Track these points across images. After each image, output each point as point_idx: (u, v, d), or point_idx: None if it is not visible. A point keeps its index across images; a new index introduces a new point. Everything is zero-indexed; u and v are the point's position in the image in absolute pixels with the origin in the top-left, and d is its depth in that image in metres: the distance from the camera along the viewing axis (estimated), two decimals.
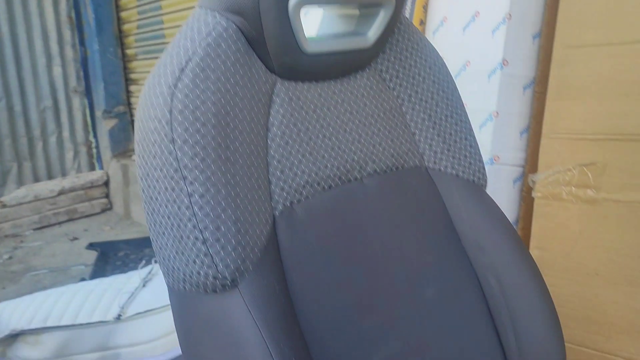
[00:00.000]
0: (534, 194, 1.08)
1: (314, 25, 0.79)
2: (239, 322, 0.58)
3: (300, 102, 0.70)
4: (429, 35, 1.26)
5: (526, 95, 1.13)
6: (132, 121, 3.50)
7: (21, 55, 3.23)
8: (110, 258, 2.51)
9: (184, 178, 0.58)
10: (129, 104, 3.48)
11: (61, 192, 3.34)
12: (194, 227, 0.58)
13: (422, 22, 1.29)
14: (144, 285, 1.61)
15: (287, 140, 0.68)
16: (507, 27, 1.09)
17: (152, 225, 0.63)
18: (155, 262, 1.79)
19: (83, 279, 2.21)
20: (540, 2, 1.11)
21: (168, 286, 0.65)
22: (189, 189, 0.58)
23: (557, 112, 1.05)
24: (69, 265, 2.63)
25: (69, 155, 3.48)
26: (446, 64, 1.12)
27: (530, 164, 1.11)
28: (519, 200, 1.15)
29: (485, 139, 1.12)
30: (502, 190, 1.14)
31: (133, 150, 3.41)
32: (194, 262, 0.58)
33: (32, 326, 1.51)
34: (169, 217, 0.60)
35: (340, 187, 0.73)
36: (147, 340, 1.47)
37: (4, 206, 3.18)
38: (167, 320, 1.48)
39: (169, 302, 1.48)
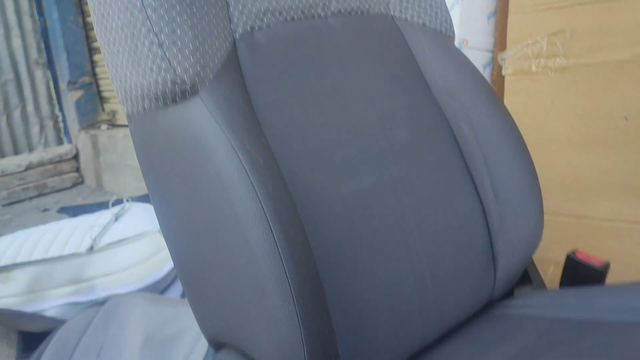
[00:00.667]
0: (504, 72, 1.08)
1: None
2: (201, 127, 0.55)
3: None
4: None
5: None
6: (99, 92, 3.42)
7: None
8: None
9: None
10: (95, 74, 3.40)
11: (29, 167, 3.25)
12: (148, 30, 0.55)
13: None
14: (115, 220, 1.57)
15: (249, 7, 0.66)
16: None
17: (106, 46, 0.60)
18: (128, 200, 1.75)
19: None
20: None
21: (127, 116, 0.63)
22: None
23: None
24: None
25: (35, 129, 3.39)
26: None
27: (500, 44, 1.10)
28: (490, 84, 1.15)
29: (453, 23, 1.11)
30: None
31: (101, 120, 3.34)
32: (151, 69, 0.56)
33: (2, 264, 1.46)
34: (122, 29, 0.57)
35: (304, 21, 0.72)
36: (122, 268, 1.43)
37: None
38: (142, 247, 1.45)
39: (142, 231, 1.44)
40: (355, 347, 0.62)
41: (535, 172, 0.82)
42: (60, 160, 3.38)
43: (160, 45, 0.55)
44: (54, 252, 1.48)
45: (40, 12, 3.32)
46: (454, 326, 0.76)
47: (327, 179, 0.65)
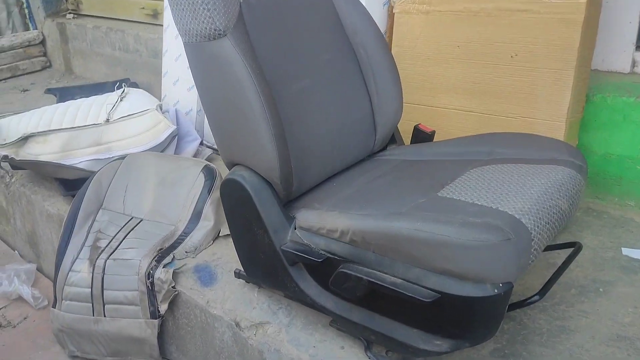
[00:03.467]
0: (394, 11, 1.69)
1: None
2: (228, 54, 1.16)
3: None
4: None
5: None
6: None
7: None
8: (69, 101, 2.94)
9: None
10: None
11: (1, 50, 3.59)
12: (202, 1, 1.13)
13: None
14: (121, 100, 2.13)
15: None
16: None
17: (175, 6, 1.17)
18: (125, 85, 2.29)
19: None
20: None
21: (185, 43, 1.22)
22: None
23: None
24: (30, 109, 3.03)
25: (2, 15, 3.67)
26: None
27: None
28: (387, 18, 1.76)
29: None
30: (376, 11, 1.74)
31: (66, 9, 3.67)
32: (202, 21, 1.14)
33: (39, 130, 2.02)
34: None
35: None
36: (131, 135, 2.02)
37: None
38: (146, 120, 2.03)
39: (145, 109, 2.03)
40: (300, 166, 1.27)
41: (399, 76, 1.47)
42: (29, 45, 3.72)
43: (207, 7, 1.14)
44: (79, 122, 2.04)
45: None
46: (351, 163, 1.44)
47: (287, 83, 1.28)
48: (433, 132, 1.49)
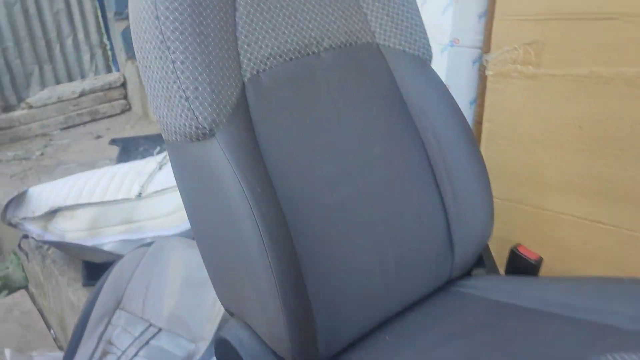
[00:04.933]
0: (487, 72, 1.23)
1: None
2: (215, 161, 0.77)
3: None
4: None
5: None
6: None
7: None
8: (132, 152, 2.75)
9: (168, 48, 0.75)
10: None
11: (82, 94, 3.53)
12: (179, 88, 0.76)
13: None
14: (159, 168, 1.84)
15: (252, 18, 0.84)
16: None
17: (149, 89, 0.81)
18: None
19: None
20: None
21: (165, 140, 0.85)
22: (172, 57, 0.75)
23: None
24: (95, 160, 2.88)
25: (86, 57, 3.63)
26: None
27: (486, 44, 1.24)
28: (477, 80, 1.30)
29: (446, 23, 1.25)
30: (462, 71, 1.28)
31: None
32: (180, 116, 0.77)
33: (68, 203, 1.77)
34: (159, 81, 0.78)
35: (300, 59, 0.90)
36: (165, 214, 1.71)
37: (31, 107, 3.40)
38: (178, 196, 1.72)
39: None
40: (330, 321, 0.86)
41: (488, 178, 1.01)
42: (110, 87, 3.65)
43: (187, 99, 0.76)
44: (109, 196, 1.77)
45: None
46: (414, 301, 0.99)
47: (313, 193, 0.87)
48: (539, 261, 1.01)
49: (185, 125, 0.77)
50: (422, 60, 1.01)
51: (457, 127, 0.99)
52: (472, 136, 1.00)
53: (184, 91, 0.76)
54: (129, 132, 3.30)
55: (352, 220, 0.90)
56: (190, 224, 0.89)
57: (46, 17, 3.42)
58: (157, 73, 0.78)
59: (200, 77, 0.76)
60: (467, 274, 1.07)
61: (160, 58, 0.76)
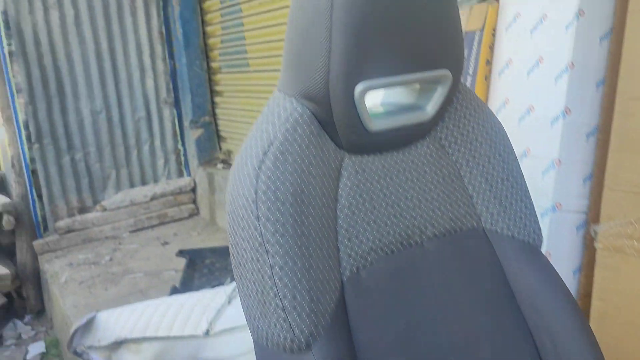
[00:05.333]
0: (596, 245, 1.11)
1: (377, 99, 0.87)
2: None
3: (366, 174, 0.77)
4: (494, 76, 1.30)
5: (589, 143, 1.15)
6: (217, 131, 3.71)
7: (118, 70, 3.50)
8: (198, 265, 2.72)
9: (267, 251, 0.68)
10: (214, 115, 3.69)
11: (153, 198, 3.62)
12: (275, 295, 0.68)
13: (488, 62, 1.33)
14: (229, 302, 1.77)
15: (353, 210, 0.76)
16: (569, 75, 1.11)
17: (240, 287, 0.74)
18: None
19: (175, 287, 2.42)
20: (603, 51, 1.12)
21: (253, 338, 0.77)
22: (270, 261, 0.68)
23: (620, 163, 1.07)
24: (161, 270, 2.87)
25: (160, 162, 3.75)
26: (511, 106, 1.15)
27: (593, 212, 1.13)
28: (582, 248, 1.18)
29: (547, 186, 1.15)
30: (564, 238, 1.17)
31: (218, 158, 3.62)
32: (275, 325, 0.69)
33: (134, 335, 1.71)
34: (254, 283, 0.71)
35: (402, 251, 0.81)
36: (235, 355, 1.62)
37: (105, 210, 3.50)
38: (248, 338, 1.63)
39: None
40: None
41: None
42: (180, 192, 3.72)
43: (284, 309, 0.69)
44: (176, 330, 1.70)
45: (171, 56, 3.66)
46: None
47: None
48: None
49: (279, 335, 0.69)
50: (533, 247, 0.90)
51: (578, 332, 0.86)
52: (594, 340, 0.87)
53: (280, 299, 0.68)
54: (195, 239, 3.31)
55: None
56: None
57: (127, 125, 3.59)
58: (252, 274, 0.71)
59: (300, 284, 0.69)
60: None
61: (258, 260, 0.70)
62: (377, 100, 0.85)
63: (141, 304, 1.90)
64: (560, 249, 1.18)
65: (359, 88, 0.69)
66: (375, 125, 0.74)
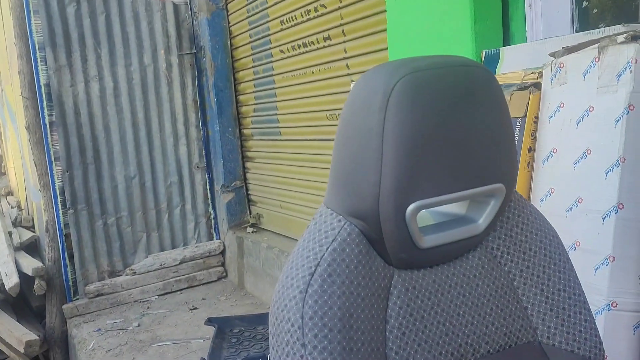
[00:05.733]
0: None
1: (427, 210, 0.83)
2: None
3: (416, 291, 0.73)
4: (537, 164, 1.28)
5: None
6: (248, 195, 3.74)
7: (153, 137, 3.60)
8: (226, 334, 2.68)
9: None
10: (245, 179, 3.73)
11: (183, 261, 3.62)
12: None
13: (531, 150, 1.31)
14: None
15: (404, 330, 0.71)
16: (621, 170, 1.09)
17: None
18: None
19: (203, 359, 2.37)
20: None
21: None
22: None
23: None
24: (189, 338, 2.83)
25: (191, 226, 3.77)
26: (557, 196, 1.12)
27: None
28: (639, 349, 1.12)
29: (601, 283, 1.11)
30: (621, 338, 1.11)
31: (247, 222, 3.63)
32: None
33: None
34: None
35: None
36: None
37: (135, 273, 3.50)
38: None
39: None
40: None
41: None
42: (209, 255, 3.72)
43: None
44: None
45: (204, 123, 3.75)
46: None
47: None
48: None
49: None
50: None
51: None
52: None
53: None
54: (223, 304, 3.28)
55: None
56: None
57: (159, 189, 3.65)
58: None
59: None
60: None
61: None
62: (426, 212, 0.82)
63: None
64: (617, 350, 1.12)
65: (411, 207, 0.68)
66: (426, 242, 0.71)
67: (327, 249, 0.69)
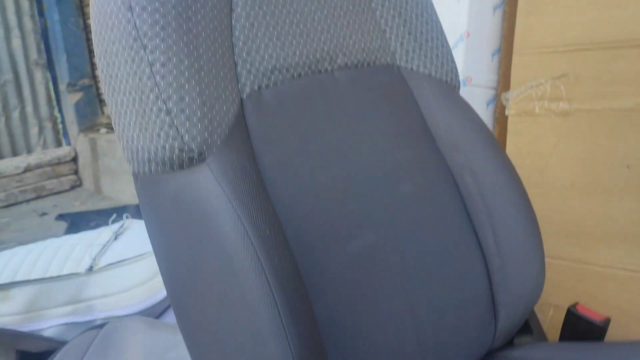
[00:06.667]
0: (507, 112, 1.08)
1: None
2: (208, 195, 0.55)
3: None
4: None
5: (496, 15, 1.12)
6: (99, 94, 3.41)
7: None
8: (81, 229, 2.45)
9: (144, 47, 0.55)
10: (94, 77, 3.38)
11: (27, 169, 3.24)
12: (157, 97, 0.55)
13: None
14: (115, 238, 1.57)
15: (252, 22, 0.66)
16: None
17: (114, 107, 0.60)
18: (127, 217, 1.75)
19: None
20: None
21: (133, 174, 0.62)
22: (149, 57, 0.55)
23: (528, 27, 1.05)
24: (38, 239, 2.55)
25: (34, 131, 3.37)
26: None
27: (503, 83, 1.11)
28: (493, 122, 1.15)
29: (457, 61, 1.11)
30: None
31: (101, 124, 3.33)
32: (159, 135, 0.56)
33: (0, 282, 1.46)
34: (130, 92, 0.57)
35: (311, 76, 0.72)
36: (122, 290, 1.43)
37: None
38: (141, 269, 1.45)
39: (142, 252, 1.44)
40: None
41: (537, 225, 0.82)
42: (59, 162, 3.37)
43: (169, 112, 0.55)
44: (52, 271, 1.47)
45: (41, 13, 3.31)
46: None
47: (331, 239, 0.65)
48: (606, 322, 0.80)
49: (165, 147, 0.56)
50: (451, 86, 0.85)
51: (499, 165, 0.82)
52: (516, 176, 0.83)
53: (164, 102, 0.55)
54: (79, 209, 3.00)
55: (380, 277, 0.68)
56: (167, 288, 0.64)
57: None
58: (126, 82, 0.57)
59: (188, 83, 0.56)
60: (509, 342, 0.86)
61: (133, 60, 0.56)
62: None
63: (8, 251, 1.64)
64: None
65: None
66: None
67: None
